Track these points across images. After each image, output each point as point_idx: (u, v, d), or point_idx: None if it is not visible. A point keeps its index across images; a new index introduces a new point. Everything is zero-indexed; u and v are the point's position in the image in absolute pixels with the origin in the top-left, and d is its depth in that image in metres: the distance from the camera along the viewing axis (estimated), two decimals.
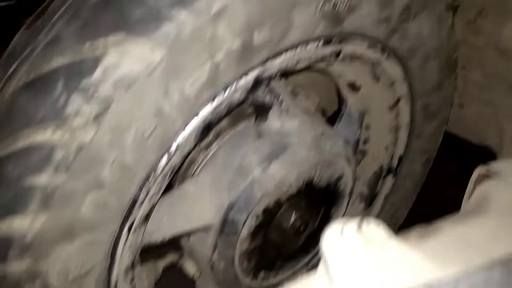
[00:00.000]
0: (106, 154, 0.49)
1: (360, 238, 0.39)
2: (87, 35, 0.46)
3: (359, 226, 0.39)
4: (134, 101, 0.48)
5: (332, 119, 1.08)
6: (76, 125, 0.46)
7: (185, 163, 0.81)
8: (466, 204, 0.63)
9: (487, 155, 1.27)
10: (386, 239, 0.38)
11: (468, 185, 0.65)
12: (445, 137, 1.24)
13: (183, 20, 0.48)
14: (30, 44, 0.49)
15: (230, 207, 0.74)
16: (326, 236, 0.40)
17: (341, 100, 1.01)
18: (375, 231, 0.39)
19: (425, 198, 1.25)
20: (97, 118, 0.47)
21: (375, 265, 0.38)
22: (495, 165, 0.61)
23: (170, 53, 0.48)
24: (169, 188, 0.71)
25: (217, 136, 0.80)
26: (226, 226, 0.75)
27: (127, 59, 0.46)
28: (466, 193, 0.66)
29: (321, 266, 0.42)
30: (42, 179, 0.46)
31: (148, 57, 0.47)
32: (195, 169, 0.79)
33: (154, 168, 0.57)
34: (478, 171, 0.64)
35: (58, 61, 0.46)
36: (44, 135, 0.45)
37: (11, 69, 0.49)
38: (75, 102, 0.45)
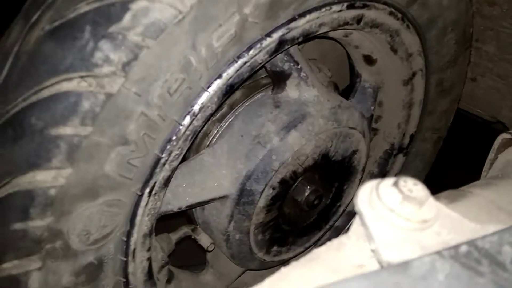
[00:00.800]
0: (132, 107, 0.47)
1: (398, 195, 0.37)
2: None
3: (396, 183, 0.37)
4: (162, 51, 0.46)
5: (343, 95, 1.07)
6: (103, 74, 0.44)
7: (200, 135, 0.79)
8: (489, 171, 0.63)
9: (495, 134, 1.26)
10: (425, 196, 0.37)
11: (490, 152, 0.65)
12: (457, 118, 1.23)
13: None
14: None
15: (248, 177, 0.73)
16: (360, 193, 0.38)
17: (354, 75, 0.99)
18: (413, 188, 0.37)
19: (436, 179, 1.25)
20: (125, 67, 0.45)
21: (416, 222, 0.37)
22: None
23: (200, 1, 0.46)
24: (184, 160, 0.69)
25: (231, 108, 0.78)
26: (243, 196, 0.74)
27: (156, 5, 0.44)
28: (487, 160, 0.65)
29: (355, 226, 0.40)
30: (68, 130, 0.44)
31: (178, 5, 0.45)
32: (210, 140, 0.77)
33: (177, 128, 0.55)
34: (500, 138, 0.63)
35: (85, 7, 0.44)
36: (70, 84, 0.43)
37: (35, 17, 0.46)
38: (103, 49, 0.43)
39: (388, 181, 0.38)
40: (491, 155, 0.66)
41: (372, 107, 1.01)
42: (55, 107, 0.44)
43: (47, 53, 0.44)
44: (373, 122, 1.07)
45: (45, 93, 0.44)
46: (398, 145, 1.09)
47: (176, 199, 0.71)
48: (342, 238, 0.41)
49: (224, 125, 0.79)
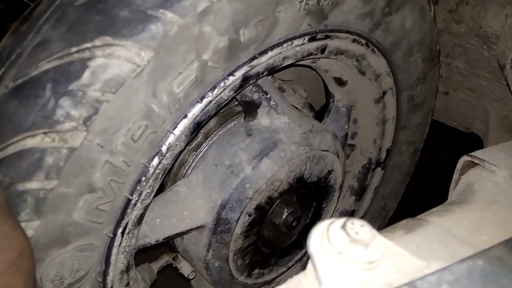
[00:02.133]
0: (96, 158, 0.49)
1: (346, 237, 0.39)
2: (73, 39, 0.46)
3: (344, 225, 0.38)
4: (122, 103, 0.48)
5: (319, 114, 1.09)
6: (65, 129, 0.46)
7: (176, 165, 0.81)
8: (452, 193, 0.65)
9: (478, 144, 1.29)
10: (371, 237, 0.39)
11: (454, 174, 0.67)
12: (436, 126, 1.26)
13: (169, 21, 0.48)
14: (16, 48, 0.49)
15: (223, 206, 0.75)
16: (312, 236, 0.40)
17: (328, 95, 1.02)
18: (360, 230, 0.39)
19: (417, 187, 1.28)
20: (86, 121, 0.46)
21: (363, 263, 0.38)
22: (479, 154, 0.63)
23: (157, 53, 0.48)
24: (160, 189, 0.71)
25: (206, 137, 0.80)
26: (220, 225, 0.75)
27: (114, 61, 0.46)
28: (452, 182, 0.67)
29: (309, 267, 0.42)
30: (34, 185, 0.46)
31: (136, 59, 0.47)
32: (186, 169, 0.79)
33: (145, 170, 0.57)
34: (462, 160, 0.65)
35: (45, 66, 0.46)
36: (34, 140, 0.45)
37: None
38: (64, 106, 0.45)
39: (337, 223, 0.40)
40: (455, 176, 0.68)
41: (347, 126, 1.03)
42: (20, 163, 0.45)
43: (10, 111, 0.46)
44: (350, 138, 1.10)
45: (10, 150, 0.45)
46: (376, 160, 1.12)
47: (153, 232, 0.73)
48: (300, 277, 0.43)
49: (199, 154, 0.81)
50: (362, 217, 1.21)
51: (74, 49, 0.46)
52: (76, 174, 0.48)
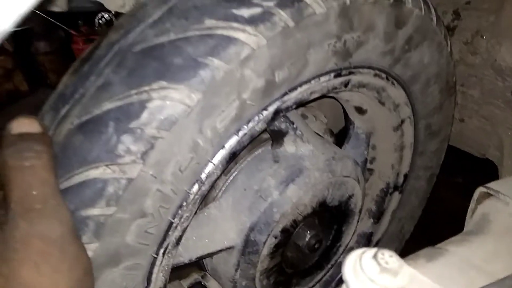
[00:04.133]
0: (149, 186, 0.55)
1: (377, 266, 0.44)
2: (133, 83, 0.53)
3: (375, 255, 0.43)
4: (174, 139, 0.54)
5: (338, 138, 1.15)
6: (125, 162, 0.52)
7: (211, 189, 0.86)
8: (468, 223, 0.69)
9: (492, 167, 1.33)
10: (399, 266, 0.43)
11: (470, 203, 0.71)
12: (451, 150, 1.29)
13: (216, 67, 0.54)
14: (79, 88, 0.55)
15: (251, 229, 0.80)
16: (346, 264, 0.45)
17: (348, 122, 1.07)
18: (389, 260, 0.43)
19: (434, 210, 1.31)
20: (143, 155, 0.53)
21: None
22: (494, 185, 0.67)
23: (205, 95, 0.55)
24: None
25: (236, 162, 0.86)
26: (248, 246, 0.80)
27: (168, 103, 0.52)
28: (468, 211, 0.72)
29: None
30: (95, 211, 0.52)
31: (187, 101, 0.53)
32: (217, 193, 0.85)
33: (187, 196, 0.62)
34: (479, 191, 0.70)
35: (108, 105, 0.52)
36: (97, 171, 0.51)
37: (63, 111, 0.55)
38: (125, 142, 0.51)
39: (369, 253, 0.45)
40: (471, 205, 0.72)
41: (366, 151, 1.08)
42: (84, 192, 0.51)
43: (76, 145, 0.52)
44: (368, 163, 1.14)
45: (75, 180, 0.51)
46: (393, 184, 1.16)
47: (186, 251, 0.78)
48: None
49: (229, 179, 0.86)
50: (379, 240, 1.25)
51: (133, 92, 0.52)
52: (132, 201, 0.54)
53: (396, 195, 1.18)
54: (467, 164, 1.43)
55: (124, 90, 0.52)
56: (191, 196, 0.63)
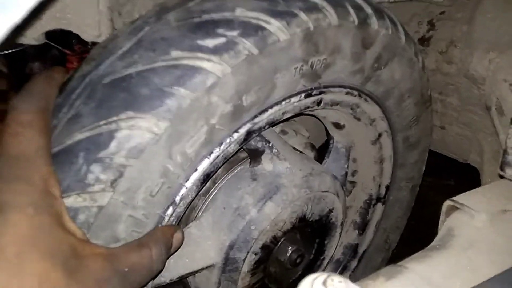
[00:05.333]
0: (121, 213, 0.57)
1: None
2: (102, 113, 0.55)
3: (325, 281, 0.45)
4: (143, 166, 0.57)
5: (321, 150, 1.17)
6: (95, 191, 0.54)
7: (188, 209, 0.88)
8: (438, 233, 0.71)
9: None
10: None
11: (440, 216, 0.73)
12: (439, 154, 1.31)
13: (182, 96, 0.57)
14: (53, 119, 0.58)
15: (231, 247, 0.82)
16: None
17: (328, 136, 1.10)
18: (338, 285, 0.45)
19: (426, 214, 1.33)
20: (113, 183, 0.55)
21: None
22: (461, 197, 0.69)
23: (172, 123, 0.57)
24: None
25: (214, 182, 0.88)
26: (228, 264, 0.82)
27: (136, 132, 0.55)
28: (439, 223, 0.73)
29: None
30: None
31: (154, 129, 0.56)
32: (197, 213, 0.87)
33: (161, 219, 0.64)
34: (446, 204, 0.71)
35: (79, 136, 0.55)
36: (68, 200, 0.53)
37: None
38: (95, 171, 0.54)
39: (320, 279, 0.47)
40: (441, 218, 0.74)
41: (346, 165, 1.11)
42: None
43: None
44: (350, 175, 1.17)
45: None
46: (376, 195, 1.18)
47: (167, 271, 0.79)
48: None
49: (208, 198, 0.88)
50: (365, 250, 1.26)
51: (102, 122, 0.55)
52: (104, 228, 0.56)
53: (380, 206, 1.20)
54: (458, 166, 1.45)
55: (93, 121, 0.55)
56: (166, 219, 0.65)
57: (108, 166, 0.54)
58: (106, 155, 0.54)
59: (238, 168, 0.90)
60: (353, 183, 1.18)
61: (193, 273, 0.83)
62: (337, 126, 1.03)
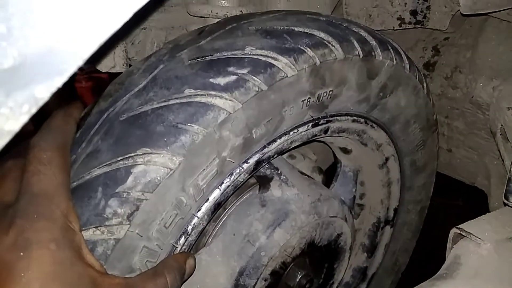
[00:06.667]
0: (136, 244, 0.59)
1: None
2: (119, 150, 0.58)
3: None
4: (158, 199, 0.59)
5: (329, 173, 1.19)
6: (113, 224, 0.56)
7: (198, 239, 0.90)
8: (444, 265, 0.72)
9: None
10: None
11: (447, 244, 0.74)
12: (446, 176, 1.32)
13: (195, 132, 0.59)
14: (72, 154, 0.61)
15: (241, 273, 0.83)
16: None
17: (336, 160, 1.12)
18: None
19: (435, 234, 1.33)
20: (129, 217, 0.57)
21: None
22: (466, 226, 0.71)
23: (186, 158, 0.60)
24: None
25: (225, 208, 0.90)
26: None
27: (152, 167, 0.57)
28: (447, 250, 0.75)
29: None
30: None
31: (169, 164, 0.58)
32: (207, 239, 0.88)
33: (173, 248, 0.66)
34: (453, 232, 0.73)
35: (97, 171, 0.57)
36: (86, 233, 0.56)
37: None
38: (112, 205, 0.56)
39: None
40: (448, 246, 0.75)
41: (354, 189, 1.12)
42: None
43: None
44: (358, 199, 1.18)
45: None
46: (384, 218, 1.19)
47: None
48: None
49: (218, 224, 0.90)
50: (374, 273, 1.27)
51: (120, 158, 0.57)
52: (120, 259, 0.58)
53: (388, 229, 1.21)
54: (466, 186, 1.45)
55: (111, 157, 0.58)
56: (178, 248, 0.67)
57: (125, 201, 0.57)
58: (124, 189, 0.57)
59: (248, 195, 0.92)
60: (361, 206, 1.19)
61: None
62: (345, 151, 1.05)
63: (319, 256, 0.98)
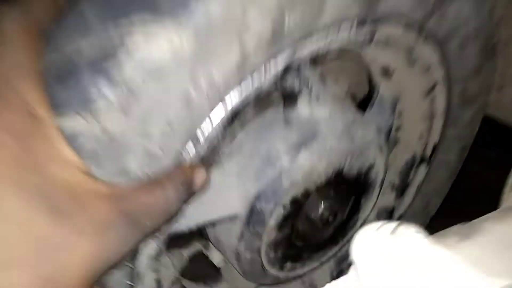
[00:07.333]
0: (130, 141, 0.47)
1: (396, 245, 0.35)
2: (110, 15, 0.44)
3: (394, 231, 0.35)
4: (158, 85, 0.46)
5: (361, 105, 1.04)
6: (100, 109, 0.44)
7: (209, 152, 0.79)
8: (507, 199, 0.59)
9: None
10: (427, 245, 0.34)
11: (509, 177, 0.61)
12: (484, 121, 1.17)
13: (211, 0, 0.45)
14: (53, 24, 0.48)
15: (257, 197, 0.72)
16: (357, 241, 0.36)
17: (372, 86, 0.97)
18: (413, 237, 0.35)
19: (464, 185, 1.21)
20: (121, 101, 0.45)
21: (414, 275, 0.35)
22: None
23: (197, 36, 0.46)
24: None
25: (242, 124, 0.78)
26: (253, 216, 0.73)
27: (152, 41, 0.44)
28: (506, 185, 0.61)
29: (351, 273, 0.38)
30: None
31: (175, 40, 0.45)
32: (220, 157, 0.77)
33: (180, 156, 0.55)
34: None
35: (81, 44, 0.44)
36: (64, 122, 0.44)
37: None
38: (98, 85, 0.44)
39: (388, 227, 0.37)
40: (510, 180, 0.62)
41: (390, 119, 0.98)
42: None
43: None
44: (393, 132, 1.04)
45: None
46: (420, 156, 1.06)
47: (185, 218, 0.71)
48: (339, 283, 0.40)
49: (234, 142, 0.78)
50: (402, 215, 1.16)
51: (110, 26, 0.44)
52: (109, 157, 0.47)
53: (423, 168, 1.08)
54: (502, 136, 1.29)
55: (99, 24, 0.44)
56: (186, 157, 0.56)
57: (115, 81, 0.44)
58: (114, 67, 0.44)
59: (270, 111, 0.79)
60: (395, 140, 1.05)
61: (212, 222, 0.75)
62: (386, 72, 0.90)
63: (345, 189, 0.87)
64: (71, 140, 0.44)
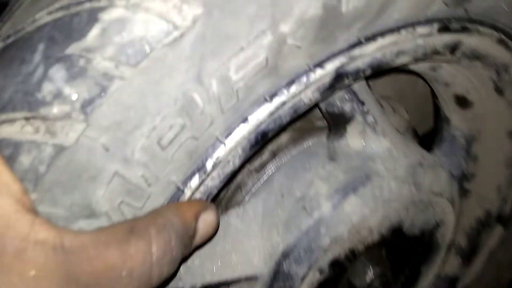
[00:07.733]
0: (100, 165, 0.32)
1: None
2: None
3: None
4: (146, 83, 0.31)
5: (422, 144, 0.85)
6: (54, 115, 0.29)
7: (232, 188, 0.63)
8: None
9: None
10: None
11: None
12: None
13: None
14: None
15: (286, 255, 0.55)
16: None
17: (440, 119, 0.78)
18: None
19: None
20: (87, 106, 0.29)
21: None
22: None
23: (208, 11, 0.30)
24: None
25: (274, 155, 0.61)
26: (278, 280, 0.56)
27: (139, 15, 0.29)
28: None
29: None
30: None
31: (174, 17, 0.30)
32: (242, 196, 0.60)
33: (178, 193, 0.38)
34: None
35: (44, 19, 0.30)
36: (7, 129, 0.29)
37: None
38: (55, 78, 0.29)
39: None
40: None
41: (463, 164, 0.78)
42: None
43: None
44: (464, 181, 0.84)
45: None
46: (497, 213, 0.86)
47: (189, 274, 0.55)
48: None
49: (262, 177, 0.62)
50: (466, 287, 0.93)
51: None
52: (67, 187, 0.31)
53: (499, 229, 0.87)
54: None
55: None
56: (187, 194, 0.39)
57: (81, 73, 0.29)
58: (80, 50, 0.29)
59: (310, 141, 0.62)
60: (466, 191, 0.85)
61: (225, 284, 0.57)
62: (463, 102, 0.71)
63: (403, 251, 0.67)
64: (10, 154, 0.29)
